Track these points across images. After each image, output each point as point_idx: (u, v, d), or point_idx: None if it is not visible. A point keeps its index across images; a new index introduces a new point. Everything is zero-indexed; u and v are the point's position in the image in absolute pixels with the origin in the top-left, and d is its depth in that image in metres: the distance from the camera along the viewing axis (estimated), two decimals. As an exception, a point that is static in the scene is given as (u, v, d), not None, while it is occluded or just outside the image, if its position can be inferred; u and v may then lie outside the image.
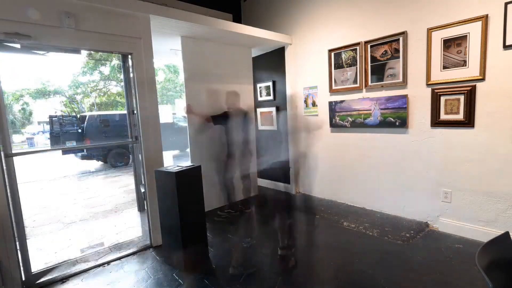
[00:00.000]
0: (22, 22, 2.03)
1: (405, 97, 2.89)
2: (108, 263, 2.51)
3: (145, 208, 2.77)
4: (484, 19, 2.35)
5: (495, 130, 2.41)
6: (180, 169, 2.38)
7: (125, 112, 2.78)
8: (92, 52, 2.19)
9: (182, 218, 2.39)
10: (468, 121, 2.52)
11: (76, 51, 2.33)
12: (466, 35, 2.46)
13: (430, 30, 2.66)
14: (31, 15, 2.06)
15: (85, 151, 8.14)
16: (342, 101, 3.47)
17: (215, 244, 2.77)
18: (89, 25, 2.33)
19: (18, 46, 2.04)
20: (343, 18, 3.38)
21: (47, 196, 5.39)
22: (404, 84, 2.90)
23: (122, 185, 5.90)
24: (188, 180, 2.42)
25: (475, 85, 2.46)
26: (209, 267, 2.39)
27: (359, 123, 3.33)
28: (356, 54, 3.27)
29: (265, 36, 3.69)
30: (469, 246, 2.46)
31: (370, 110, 3.19)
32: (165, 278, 2.24)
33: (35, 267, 2.26)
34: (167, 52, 4.01)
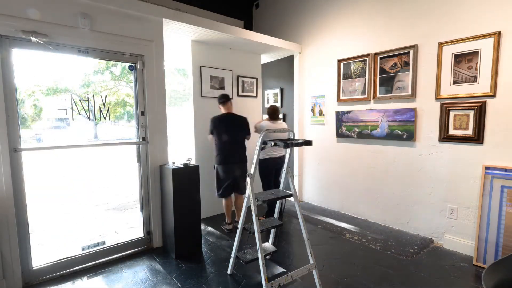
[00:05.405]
0: (39, 21, 2.09)
1: (413, 110, 2.87)
2: (108, 262, 2.51)
3: (148, 209, 2.78)
4: (497, 35, 2.33)
5: (505, 147, 2.37)
6: (177, 167, 2.58)
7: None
8: (104, 52, 2.24)
9: (177, 216, 2.54)
10: (477, 138, 2.48)
11: (88, 54, 2.38)
12: (478, 51, 2.44)
13: (441, 45, 2.65)
14: (48, 15, 2.11)
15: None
16: (349, 112, 3.46)
17: (214, 250, 2.75)
18: (103, 27, 2.38)
19: (34, 43, 2.09)
20: (354, 29, 3.40)
21: (50, 193, 5.44)
22: (412, 97, 2.88)
23: (126, 184, 5.92)
24: (185, 178, 2.60)
25: (485, 102, 2.43)
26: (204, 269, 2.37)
27: (365, 134, 3.31)
28: (365, 65, 3.27)
29: (275, 44, 3.72)
30: (475, 266, 2.40)
31: (378, 121, 3.18)
32: (164, 281, 2.23)
33: (36, 263, 2.26)
34: (176, 55, 4.06)
